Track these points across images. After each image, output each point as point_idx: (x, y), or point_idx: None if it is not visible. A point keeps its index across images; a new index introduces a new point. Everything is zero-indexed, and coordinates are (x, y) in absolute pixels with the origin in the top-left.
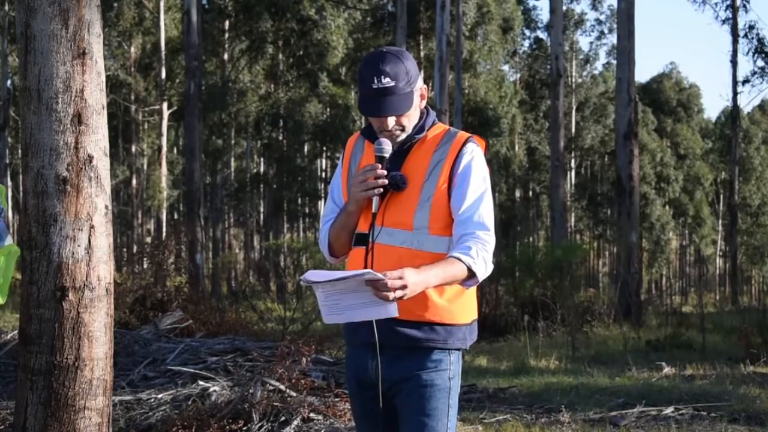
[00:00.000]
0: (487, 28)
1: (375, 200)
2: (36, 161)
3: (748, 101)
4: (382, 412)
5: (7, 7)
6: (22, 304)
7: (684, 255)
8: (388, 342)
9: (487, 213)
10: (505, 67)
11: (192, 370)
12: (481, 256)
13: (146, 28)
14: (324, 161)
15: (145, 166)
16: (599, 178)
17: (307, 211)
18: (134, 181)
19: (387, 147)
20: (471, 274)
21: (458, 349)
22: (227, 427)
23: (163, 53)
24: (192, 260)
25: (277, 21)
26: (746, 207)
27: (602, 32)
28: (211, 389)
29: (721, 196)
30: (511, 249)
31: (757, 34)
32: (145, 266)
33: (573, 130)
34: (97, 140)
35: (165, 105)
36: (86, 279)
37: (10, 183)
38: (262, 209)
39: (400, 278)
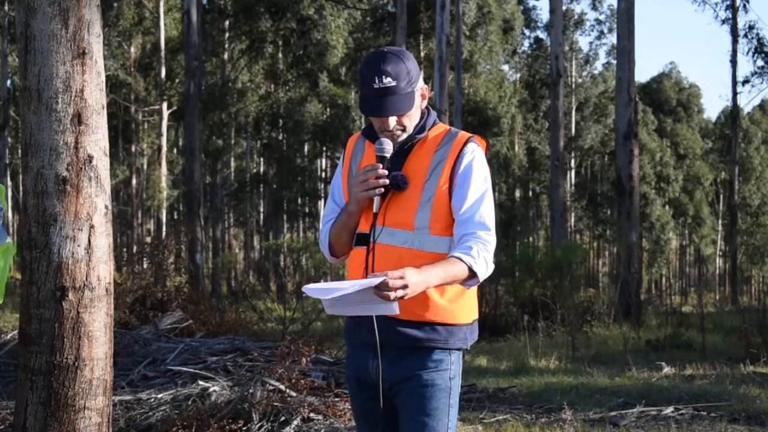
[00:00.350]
0: (488, 29)
1: (376, 200)
2: (36, 161)
3: (748, 101)
4: (383, 412)
5: (7, 7)
6: (22, 304)
7: (684, 255)
8: (388, 342)
9: (487, 213)
10: (505, 67)
11: (192, 370)
12: (482, 256)
13: (146, 28)
14: (324, 161)
15: (145, 166)
16: (599, 178)
17: (307, 211)
18: (134, 181)
19: (388, 147)
20: (472, 274)
21: (459, 349)
22: (227, 427)
23: (163, 53)
24: (192, 260)
25: (277, 21)
26: (746, 207)
27: (602, 32)
28: (211, 389)
29: (721, 196)
30: (511, 249)
31: (757, 34)
32: (145, 266)
33: (573, 130)
34: (97, 140)
35: (165, 105)
36: (86, 279)
37: (10, 183)
38: (262, 209)
39: (401, 278)
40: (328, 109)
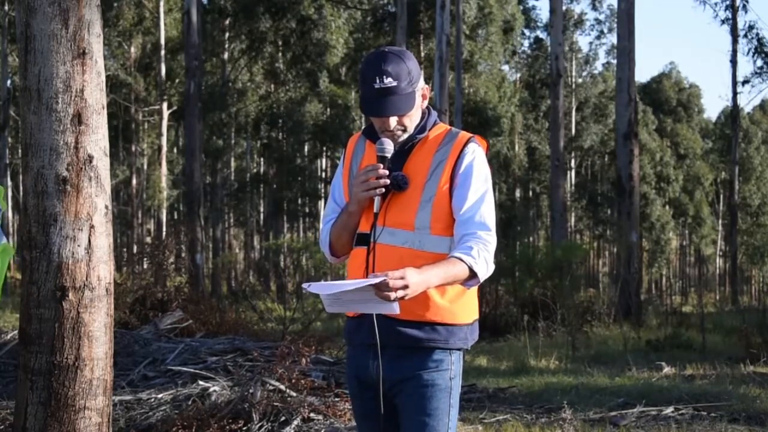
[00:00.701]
0: (488, 29)
1: (376, 200)
2: (36, 161)
3: (748, 101)
4: (383, 412)
5: (7, 7)
6: (22, 304)
7: (684, 255)
8: (389, 342)
9: (488, 213)
10: (505, 68)
11: (192, 370)
12: (483, 256)
13: (146, 28)
14: (324, 161)
15: (145, 166)
16: (599, 178)
17: (307, 211)
18: (134, 181)
19: (389, 147)
20: (472, 274)
21: (459, 349)
22: (227, 427)
23: (163, 53)
24: (192, 260)
25: (277, 21)
26: (746, 207)
27: (601, 32)
28: (211, 389)
29: (721, 196)
30: (511, 249)
31: (757, 34)
32: (145, 266)
33: (573, 130)
34: (97, 140)
35: (165, 105)
36: (86, 279)
37: (10, 183)
38: (262, 209)
39: (402, 278)
40: (328, 109)
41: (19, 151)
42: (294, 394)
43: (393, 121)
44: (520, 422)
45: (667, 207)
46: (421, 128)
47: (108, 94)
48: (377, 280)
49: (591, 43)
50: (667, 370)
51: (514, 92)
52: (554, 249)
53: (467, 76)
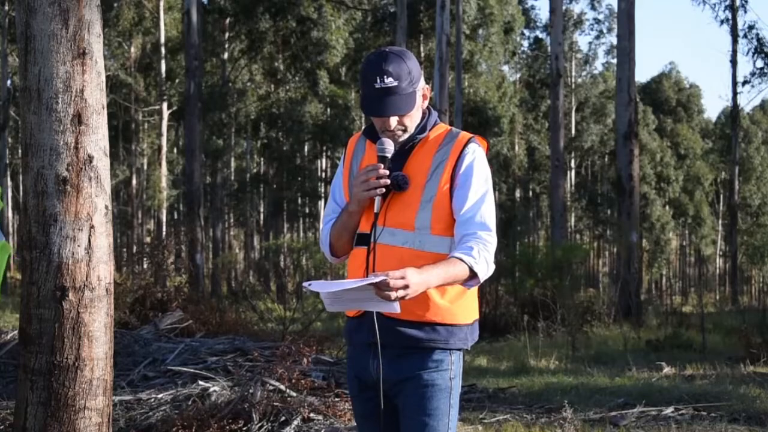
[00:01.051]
0: (489, 30)
1: (377, 200)
2: (36, 161)
3: (748, 101)
4: (384, 412)
5: (7, 7)
6: (22, 304)
7: (684, 255)
8: (389, 342)
9: (488, 213)
10: (505, 68)
11: (192, 370)
12: (483, 257)
13: (146, 28)
14: (324, 161)
15: (145, 166)
16: (599, 178)
17: (307, 211)
18: (134, 181)
19: (389, 147)
20: (473, 275)
21: (459, 349)
22: (227, 427)
23: (163, 53)
24: (192, 260)
25: (277, 21)
26: (746, 207)
27: (601, 32)
28: (211, 389)
29: (721, 196)
30: (511, 249)
31: (757, 35)
32: (145, 266)
33: (573, 130)
34: (97, 140)
35: (165, 105)
36: (86, 279)
37: (10, 183)
38: (262, 209)
39: (402, 278)
40: (328, 109)
41: (19, 151)
42: (294, 394)
43: (393, 121)
44: (520, 422)
45: (667, 207)
46: (421, 128)
47: (108, 94)
48: (378, 280)
49: (590, 42)
50: (667, 370)
51: (515, 92)
52: (554, 249)
53: (467, 76)
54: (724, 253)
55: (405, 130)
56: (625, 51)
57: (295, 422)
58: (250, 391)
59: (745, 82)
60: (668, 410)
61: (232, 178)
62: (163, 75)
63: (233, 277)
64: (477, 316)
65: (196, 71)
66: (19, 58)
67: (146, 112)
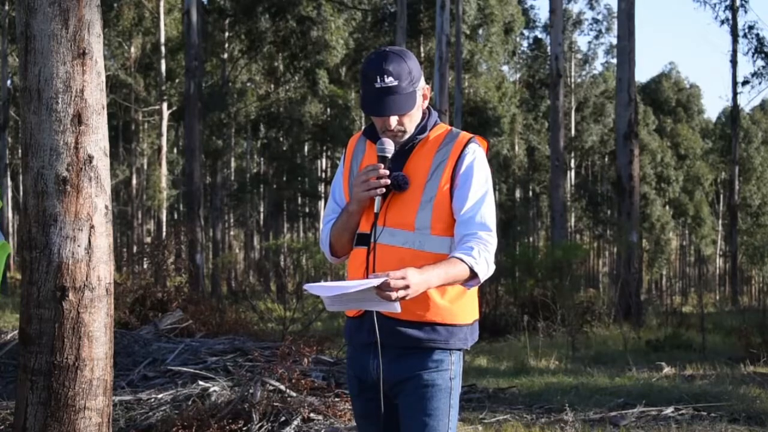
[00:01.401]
0: (489, 30)
1: (377, 200)
2: (36, 161)
3: (748, 101)
4: (384, 413)
5: (7, 7)
6: (22, 304)
7: (684, 255)
8: (389, 342)
9: (488, 213)
10: (505, 68)
11: (192, 370)
12: (483, 257)
13: (146, 28)
14: (324, 161)
15: (145, 166)
16: (599, 178)
17: (307, 211)
18: (134, 181)
19: (389, 147)
20: (473, 275)
21: (459, 349)
22: (227, 427)
23: (163, 53)
24: (192, 260)
25: (277, 21)
26: (746, 207)
27: (600, 31)
28: (211, 389)
29: (721, 196)
30: (511, 249)
31: (757, 35)
32: (145, 266)
33: (573, 130)
34: (97, 140)
35: (165, 105)
36: (86, 279)
37: (10, 183)
38: (262, 209)
39: (403, 278)
40: (328, 109)
41: (19, 151)
42: (294, 395)
43: (394, 120)
44: (520, 422)
45: (667, 207)
46: (421, 128)
47: (108, 94)
48: (379, 281)
49: (590, 42)
50: (667, 370)
51: (515, 92)
52: (554, 249)
53: (467, 77)
54: (724, 253)
55: (405, 131)
56: (625, 51)
57: (295, 422)
58: (250, 391)
59: (745, 82)
60: (668, 410)
61: (232, 178)
62: (163, 75)
63: (233, 277)
64: (477, 317)
65: (196, 71)
66: (19, 58)
67: (146, 112)
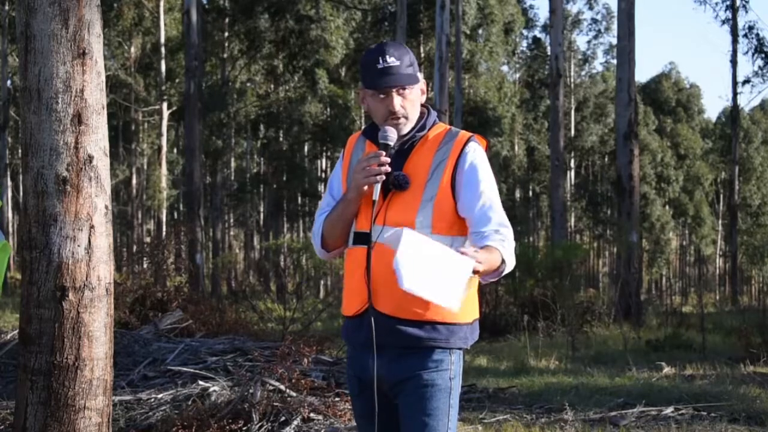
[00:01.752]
0: (489, 30)
1: (376, 188)
2: (36, 161)
3: (748, 101)
4: (383, 412)
5: (7, 7)
6: (22, 304)
7: (684, 255)
8: (389, 342)
9: (501, 209)
10: (504, 68)
11: (192, 370)
12: (508, 250)
13: (146, 28)
14: (324, 161)
15: (145, 166)
16: (599, 178)
17: (307, 210)
18: (134, 181)
19: (392, 135)
20: (498, 267)
21: (459, 349)
22: (227, 427)
23: (163, 53)
24: (192, 260)
25: (275, 20)
26: (746, 207)
27: (599, 31)
28: (211, 389)
29: (721, 196)
30: None
31: (757, 35)
32: (145, 266)
33: (573, 130)
34: (97, 140)
35: (165, 105)
36: (86, 279)
37: (10, 183)
38: (262, 209)
39: (477, 251)
40: (328, 109)
41: (19, 151)
42: (294, 394)
43: (398, 101)
44: (520, 422)
45: (667, 207)
46: (421, 126)
47: (108, 94)
48: (471, 262)
49: (589, 42)
50: (667, 370)
51: (515, 92)
52: (554, 249)
53: (467, 77)
54: (724, 253)
55: (407, 116)
56: (625, 51)
57: (295, 422)
58: (250, 391)
59: (745, 82)
60: (668, 410)
61: (232, 178)
62: (163, 75)
63: (233, 277)
64: (477, 316)
65: (195, 71)
66: (19, 58)
67: (146, 112)
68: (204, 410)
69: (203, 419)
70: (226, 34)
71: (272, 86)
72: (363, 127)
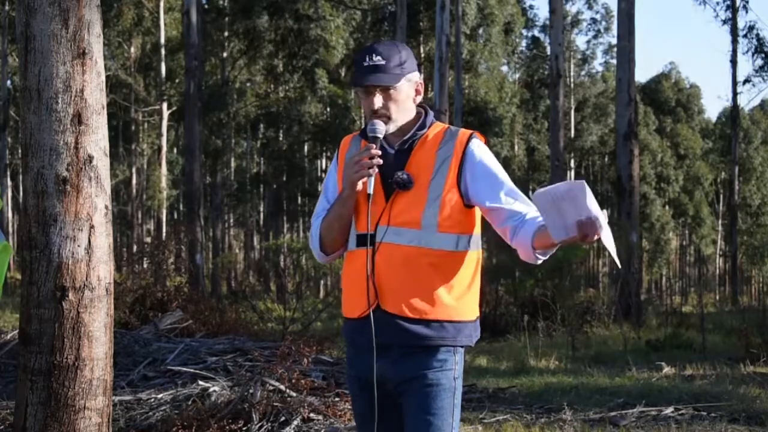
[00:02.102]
0: (490, 30)
1: (370, 181)
2: (36, 161)
3: (748, 101)
4: (386, 412)
5: (7, 7)
6: (22, 304)
7: (684, 255)
8: (395, 341)
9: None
10: (504, 68)
11: (192, 370)
12: None
13: (146, 28)
14: (324, 161)
15: (145, 166)
16: (599, 178)
17: (307, 210)
18: (134, 181)
19: (380, 127)
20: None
21: (463, 347)
22: (227, 427)
23: (163, 53)
24: (192, 260)
25: (275, 19)
26: (746, 207)
27: (598, 31)
28: (211, 389)
29: (721, 196)
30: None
31: (757, 35)
32: (145, 266)
33: (573, 130)
34: (97, 140)
35: (165, 105)
36: (86, 279)
37: (10, 183)
38: (262, 209)
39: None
40: (327, 109)
41: (19, 151)
42: (294, 394)
43: (378, 100)
44: (520, 422)
45: (667, 207)
46: (420, 125)
47: (108, 94)
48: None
49: (588, 42)
50: (667, 370)
51: (515, 93)
52: None
53: (467, 77)
54: (724, 253)
55: (390, 116)
56: (625, 51)
57: (295, 422)
58: (250, 391)
59: (746, 81)
60: (668, 410)
61: (232, 178)
62: (163, 75)
63: (233, 277)
64: (478, 313)
65: (195, 71)
66: (19, 58)
67: (146, 112)
68: (204, 410)
69: (203, 419)
70: (226, 33)
71: (272, 86)
72: (361, 128)
